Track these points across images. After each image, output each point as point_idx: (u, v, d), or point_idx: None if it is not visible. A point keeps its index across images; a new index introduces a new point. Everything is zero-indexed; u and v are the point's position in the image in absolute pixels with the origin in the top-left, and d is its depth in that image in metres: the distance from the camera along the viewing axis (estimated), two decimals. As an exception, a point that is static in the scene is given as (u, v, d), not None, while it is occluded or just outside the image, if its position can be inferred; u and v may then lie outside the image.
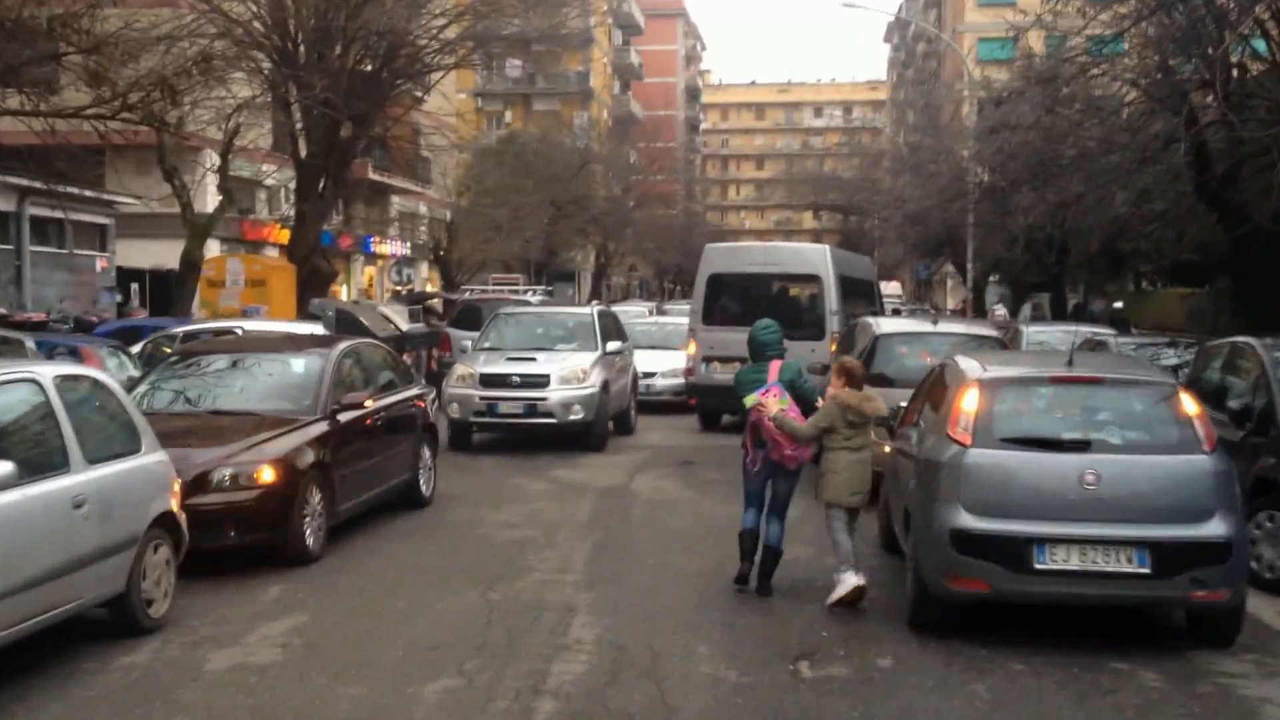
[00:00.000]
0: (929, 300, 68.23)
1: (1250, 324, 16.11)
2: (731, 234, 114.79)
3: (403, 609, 8.61)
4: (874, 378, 12.84)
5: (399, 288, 41.80)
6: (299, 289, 24.91)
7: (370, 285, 49.18)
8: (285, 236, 27.69)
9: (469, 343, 21.08)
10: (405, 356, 22.63)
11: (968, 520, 7.77)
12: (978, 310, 40.61)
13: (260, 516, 9.48)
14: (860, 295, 20.99)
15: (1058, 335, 20.79)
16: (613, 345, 17.88)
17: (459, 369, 17.04)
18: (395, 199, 51.18)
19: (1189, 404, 8.03)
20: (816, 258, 19.81)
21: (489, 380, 16.55)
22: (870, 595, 9.01)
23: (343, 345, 11.55)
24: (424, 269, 51.36)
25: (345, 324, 20.33)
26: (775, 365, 9.19)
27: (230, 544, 9.43)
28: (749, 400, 8.98)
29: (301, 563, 9.78)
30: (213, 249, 35.03)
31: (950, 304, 67.68)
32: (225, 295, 24.29)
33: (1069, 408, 8.11)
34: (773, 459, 9.03)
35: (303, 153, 24.73)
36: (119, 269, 32.89)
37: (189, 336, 15.83)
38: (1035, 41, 32.81)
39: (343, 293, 46.10)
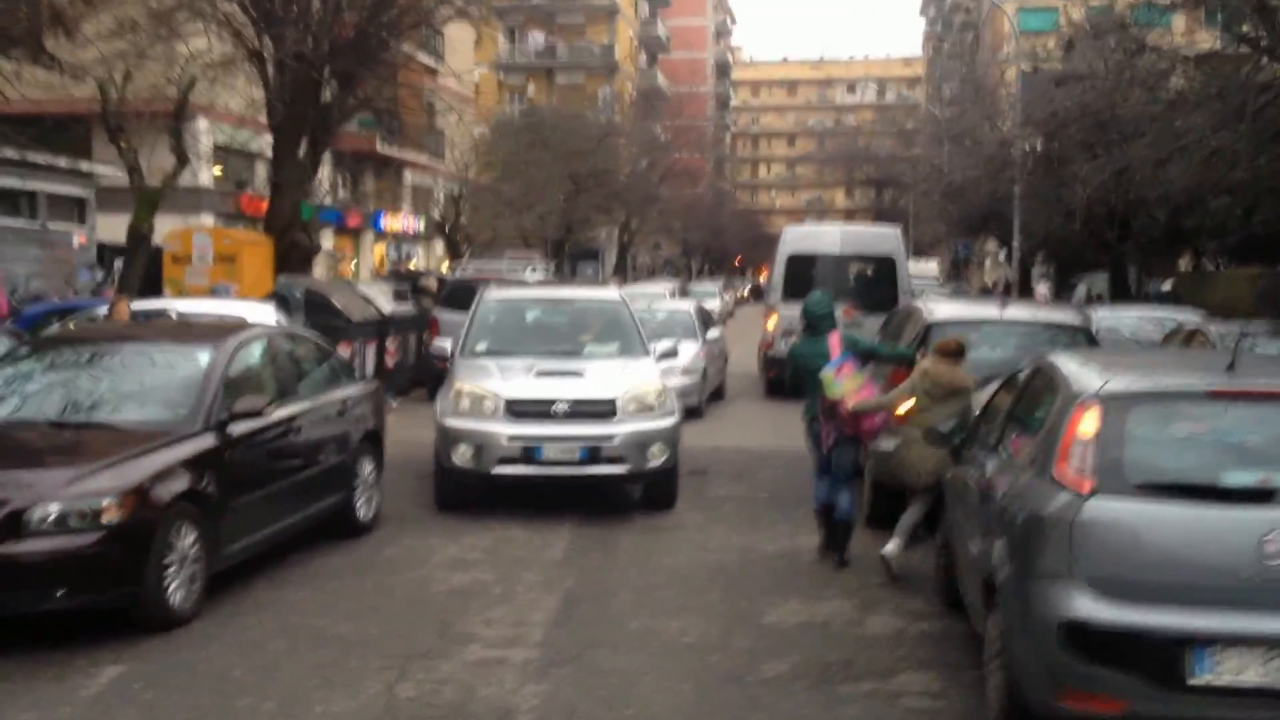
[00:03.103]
0: (965, 280, 65.25)
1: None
2: (762, 213, 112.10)
3: (267, 716, 6.09)
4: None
5: (399, 266, 39.14)
6: (277, 265, 22.46)
7: (381, 264, 46.78)
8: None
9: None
10: (389, 342, 20.25)
11: (1088, 607, 5.18)
12: (1023, 291, 37.79)
13: (101, 569, 6.98)
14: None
15: (1131, 321, 18.10)
16: (666, 344, 12.55)
17: (463, 387, 10.75)
18: (409, 173, 48.77)
19: None
20: (890, 239, 21.83)
21: (521, 409, 10.58)
22: (935, 688, 6.49)
23: (243, 335, 8.99)
24: (439, 246, 48.90)
25: (315, 306, 17.81)
26: (834, 338, 9.49)
27: (57, 606, 6.95)
28: (832, 390, 9.05)
29: (163, 627, 7.28)
30: (206, 224, 32.89)
31: (985, 283, 64.73)
32: (192, 272, 21.85)
33: (1239, 438, 5.48)
34: (847, 433, 9.27)
35: (280, 116, 22.25)
36: (102, 245, 30.48)
37: (105, 319, 13.35)
38: (1075, 10, 30.08)
39: (351, 272, 43.77)
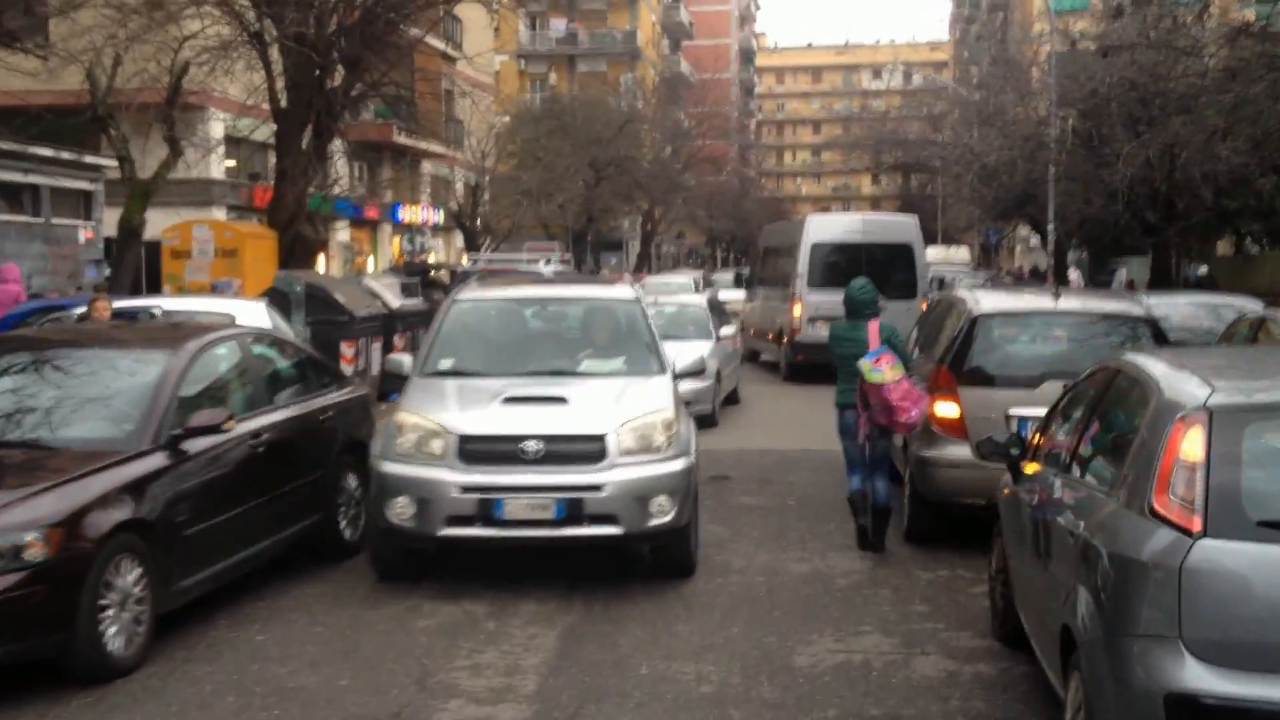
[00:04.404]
0: (996, 266, 63.84)
1: None
2: (787, 201, 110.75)
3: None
4: (969, 374, 9.31)
5: (415, 258, 38.17)
6: (282, 259, 21.53)
7: (400, 257, 45.90)
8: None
9: None
10: (397, 339, 19.30)
11: (1199, 677, 4.13)
12: (1059, 277, 36.52)
13: (24, 614, 6.01)
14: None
15: (1183, 309, 16.92)
16: (690, 358, 9.77)
17: (405, 419, 8.20)
18: (427, 164, 47.84)
19: None
20: (908, 228, 22.81)
21: (480, 448, 7.98)
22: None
23: (205, 339, 7.99)
24: (459, 238, 47.96)
25: (316, 301, 16.84)
26: (873, 326, 9.14)
27: (-28, 658, 5.99)
28: (871, 376, 8.75)
29: (99, 679, 6.32)
30: (217, 218, 31.99)
31: (1014, 269, 63.29)
32: (192, 267, 20.99)
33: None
34: (879, 423, 8.95)
35: (283, 102, 21.30)
36: (110, 241, 29.62)
37: (82, 318, 12.41)
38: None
39: (368, 266, 42.89)
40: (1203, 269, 32.67)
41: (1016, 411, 8.91)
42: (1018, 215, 42.96)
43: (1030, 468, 6.52)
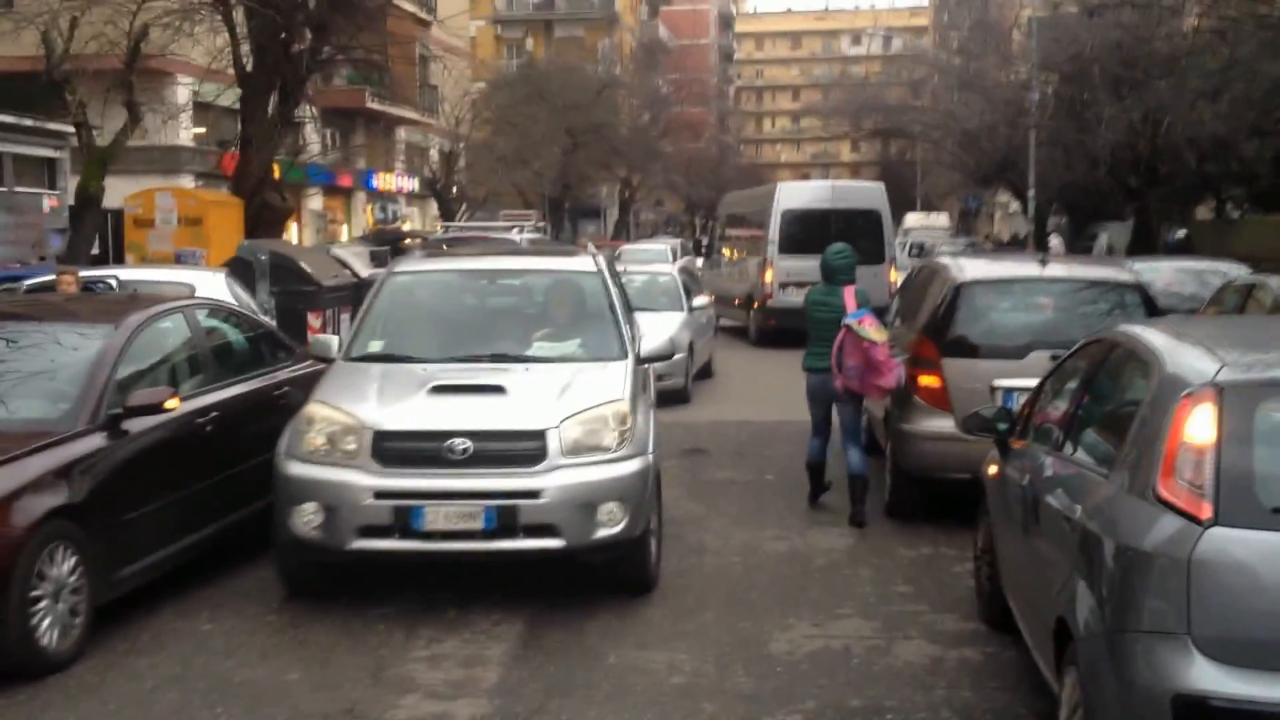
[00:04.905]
0: (975, 232, 63.54)
1: None
2: (766, 168, 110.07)
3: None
4: (952, 344, 8.97)
5: (388, 226, 37.58)
6: (248, 228, 21.05)
7: (374, 225, 45.22)
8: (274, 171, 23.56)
9: None
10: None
11: (1210, 677, 3.79)
12: (1039, 243, 36.24)
13: (-55, 607, 5.63)
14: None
15: (1165, 274, 16.62)
16: (656, 341, 8.81)
17: (315, 412, 7.12)
18: (401, 130, 47.14)
19: None
20: (875, 194, 23.23)
21: (398, 447, 6.87)
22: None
23: (149, 312, 7.55)
24: (434, 206, 47.36)
25: (281, 271, 16.37)
26: (849, 292, 9.06)
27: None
28: (865, 334, 8.66)
29: (32, 674, 5.94)
30: (186, 185, 31.32)
31: (993, 235, 62.98)
32: (155, 237, 20.49)
33: None
34: (851, 389, 8.94)
35: (248, 66, 20.77)
36: (72, 209, 29.01)
37: (37, 289, 11.96)
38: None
39: (342, 234, 42.23)
40: (1180, 233, 32.41)
41: (1002, 383, 8.60)
42: (998, 181, 42.67)
43: (1019, 444, 6.19)
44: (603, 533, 6.84)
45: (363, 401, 7.10)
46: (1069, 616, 4.43)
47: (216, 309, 8.75)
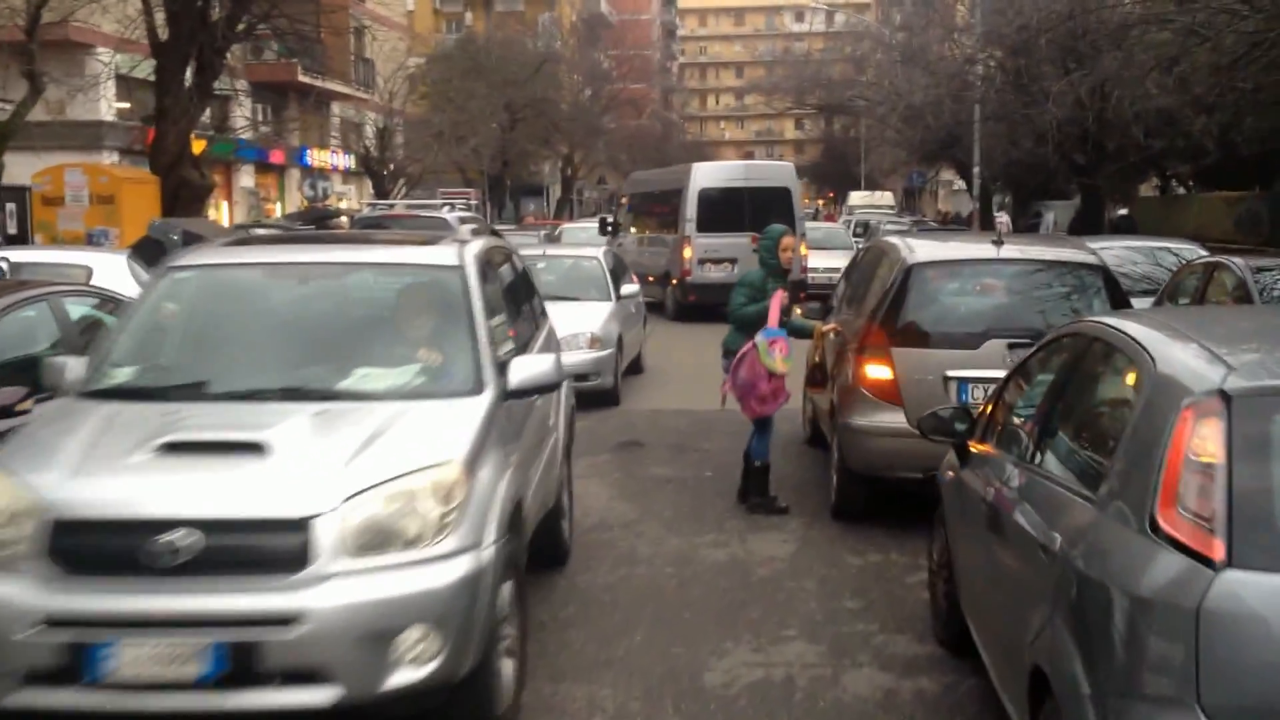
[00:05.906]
0: (919, 211, 63.31)
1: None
2: (710, 145, 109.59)
3: None
4: (903, 331, 8.32)
5: (318, 204, 36.50)
6: (165, 206, 20.06)
7: (305, 203, 44.06)
8: (199, 147, 22.46)
9: None
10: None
11: (1223, 753, 3.13)
12: (985, 222, 35.88)
13: None
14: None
15: (1115, 252, 16.05)
16: (537, 362, 5.88)
17: None
18: (335, 105, 45.93)
19: None
20: (785, 172, 24.52)
21: (83, 545, 4.43)
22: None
23: (7, 301, 6.71)
24: (369, 183, 46.27)
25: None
26: (778, 298, 8.60)
27: None
28: (766, 359, 8.43)
29: None
30: (108, 162, 30.12)
31: (941, 212, 62.83)
32: (66, 215, 19.50)
33: None
34: (734, 394, 8.75)
35: (162, 35, 19.74)
36: (-4, 188, 27.75)
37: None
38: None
39: (276, 212, 41.04)
40: (1122, 211, 32.15)
41: (956, 374, 7.95)
42: (942, 158, 42.29)
43: (980, 448, 5.52)
44: (402, 678, 4.44)
45: (50, 468, 4.69)
46: (1049, 670, 3.75)
47: (92, 296, 7.89)
